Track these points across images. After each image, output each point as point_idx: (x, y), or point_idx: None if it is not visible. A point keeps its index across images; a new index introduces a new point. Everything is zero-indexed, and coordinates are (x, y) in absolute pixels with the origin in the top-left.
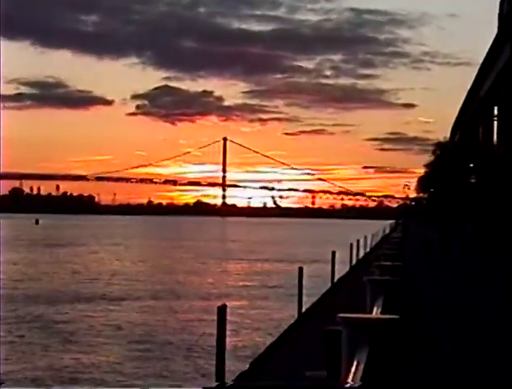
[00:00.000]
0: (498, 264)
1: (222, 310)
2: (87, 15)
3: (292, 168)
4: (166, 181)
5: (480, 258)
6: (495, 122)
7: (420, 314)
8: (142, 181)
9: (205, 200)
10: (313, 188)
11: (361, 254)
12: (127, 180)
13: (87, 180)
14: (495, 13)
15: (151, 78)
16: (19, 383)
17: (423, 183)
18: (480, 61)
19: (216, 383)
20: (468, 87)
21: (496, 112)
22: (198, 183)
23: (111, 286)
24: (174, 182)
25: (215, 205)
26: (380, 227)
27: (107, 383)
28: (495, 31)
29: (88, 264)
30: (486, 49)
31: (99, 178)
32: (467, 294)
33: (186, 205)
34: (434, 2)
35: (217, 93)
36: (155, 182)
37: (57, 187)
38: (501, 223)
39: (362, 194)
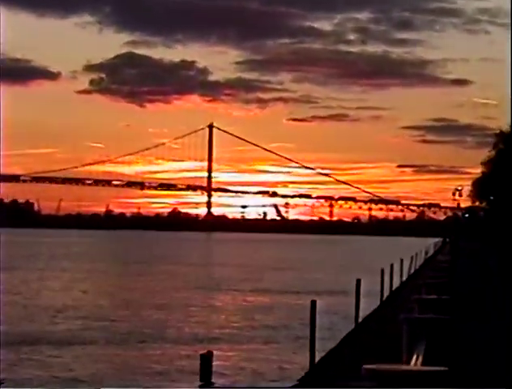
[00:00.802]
0: None
1: (206, 359)
2: None
3: (303, 167)
4: (130, 184)
5: None
6: None
7: (474, 366)
8: (97, 183)
9: (184, 210)
10: (330, 194)
11: (396, 283)
12: (77, 181)
13: (23, 181)
14: None
15: (110, 43)
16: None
17: (480, 188)
18: None
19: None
20: None
21: None
22: (174, 186)
23: (56, 326)
24: (141, 185)
25: (198, 216)
26: (421, 247)
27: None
28: None
29: (26, 296)
30: None
31: (38, 179)
32: None
33: (159, 216)
34: None
35: (200, 64)
36: (115, 185)
37: None
38: None
39: (397, 203)
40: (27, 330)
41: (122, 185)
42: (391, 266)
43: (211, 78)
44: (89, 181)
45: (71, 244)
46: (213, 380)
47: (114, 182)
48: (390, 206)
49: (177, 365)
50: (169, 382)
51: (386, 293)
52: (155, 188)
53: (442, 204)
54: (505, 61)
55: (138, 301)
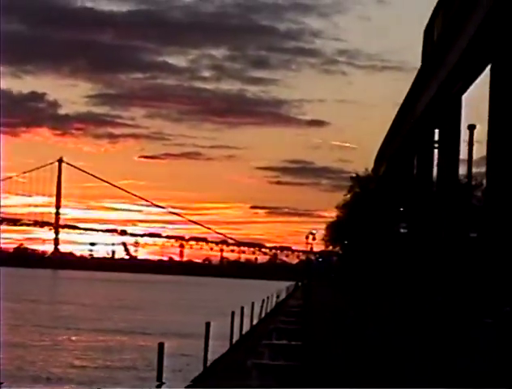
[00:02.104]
0: (433, 346)
1: None
2: None
3: (154, 206)
4: None
5: (412, 339)
6: (435, 150)
7: None
8: None
9: (31, 246)
10: (181, 234)
11: (247, 326)
12: None
13: None
14: None
15: None
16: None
17: (334, 232)
18: (418, 65)
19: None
20: (400, 100)
21: (437, 137)
22: (14, 221)
23: None
24: None
25: (45, 253)
26: (273, 290)
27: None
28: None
29: None
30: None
31: None
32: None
33: (4, 252)
34: None
35: (51, 97)
36: None
37: None
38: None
39: (249, 245)
40: None
41: None
42: (242, 309)
43: (61, 111)
44: None
45: None
46: None
47: None
48: (243, 248)
49: None
50: None
51: (236, 337)
52: (1, 223)
53: (295, 247)
54: (361, 103)
55: None
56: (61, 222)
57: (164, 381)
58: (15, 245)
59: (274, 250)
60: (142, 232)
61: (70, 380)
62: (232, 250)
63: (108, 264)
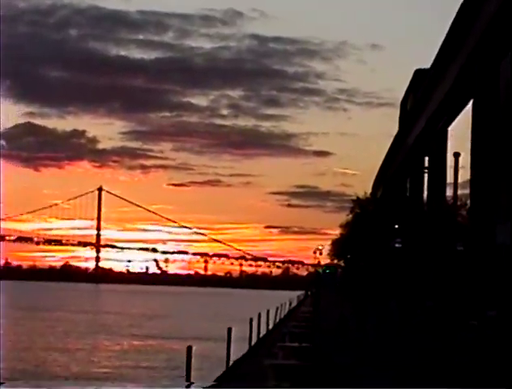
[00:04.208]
0: (424, 345)
1: None
2: None
3: (181, 227)
4: (26, 239)
5: (406, 340)
6: (425, 175)
7: None
8: None
9: (75, 263)
10: (205, 251)
11: (263, 331)
12: None
13: None
14: (427, 44)
15: (11, 113)
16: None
17: (338, 247)
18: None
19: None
20: (394, 132)
21: (426, 163)
22: (60, 242)
23: None
24: (30, 240)
25: (88, 269)
26: (286, 299)
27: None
28: (426, 65)
29: None
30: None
31: None
32: (388, 384)
33: (52, 269)
34: (354, 30)
35: (90, 134)
36: (6, 240)
37: None
38: (429, 296)
39: (265, 260)
40: None
41: (12, 241)
42: (259, 315)
43: (100, 146)
44: None
45: None
46: None
47: (6, 238)
48: (259, 262)
49: None
50: None
51: (254, 340)
52: (49, 243)
53: (305, 261)
54: (360, 135)
55: (30, 343)
56: (102, 242)
57: (192, 381)
58: (62, 263)
59: (286, 264)
60: (171, 250)
61: (112, 380)
62: (250, 265)
63: (143, 278)
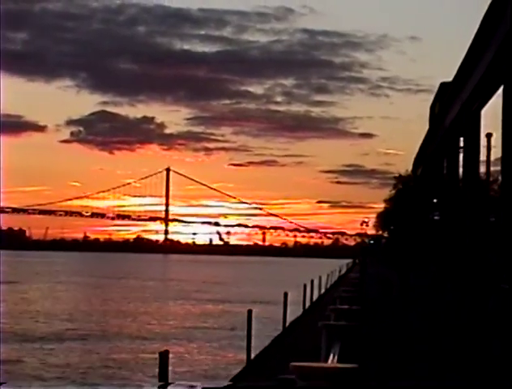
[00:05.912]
0: (461, 305)
1: (164, 356)
2: (15, 32)
3: (241, 202)
4: (102, 215)
5: (443, 301)
6: (461, 155)
7: (381, 363)
8: (68, 214)
9: (146, 236)
10: (263, 224)
11: (316, 295)
12: (50, 213)
13: (17, 212)
14: (460, 36)
15: (87, 102)
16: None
17: (382, 220)
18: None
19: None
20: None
21: (462, 143)
22: (128, 217)
23: (47, 325)
24: (102, 216)
25: (157, 241)
26: (336, 266)
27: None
28: (460, 54)
29: (29, 302)
30: (449, 76)
31: (29, 211)
32: (431, 340)
33: (126, 241)
34: (394, 23)
35: (158, 120)
36: (82, 215)
37: None
38: (463, 263)
39: (316, 231)
40: (29, 328)
41: (87, 216)
42: (312, 281)
43: (167, 131)
44: (62, 213)
45: (57, 263)
46: (170, 377)
47: (83, 213)
48: (311, 234)
49: (138, 361)
50: (129, 377)
51: (308, 304)
52: (123, 219)
53: (353, 233)
54: (401, 118)
55: (109, 308)
56: (170, 217)
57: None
58: (134, 236)
59: (336, 235)
60: (232, 224)
61: (182, 339)
62: (303, 236)
63: (207, 249)
